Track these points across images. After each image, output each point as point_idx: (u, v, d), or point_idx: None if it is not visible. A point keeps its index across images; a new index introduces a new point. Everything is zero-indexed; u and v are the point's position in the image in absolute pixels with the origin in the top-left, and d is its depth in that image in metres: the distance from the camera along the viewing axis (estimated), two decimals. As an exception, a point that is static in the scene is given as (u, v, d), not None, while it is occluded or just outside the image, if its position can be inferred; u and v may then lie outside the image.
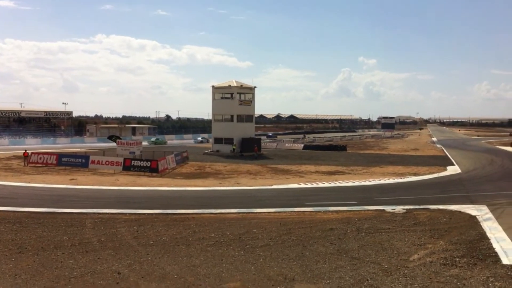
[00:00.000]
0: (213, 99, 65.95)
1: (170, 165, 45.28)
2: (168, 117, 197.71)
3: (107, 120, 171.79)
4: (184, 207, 26.18)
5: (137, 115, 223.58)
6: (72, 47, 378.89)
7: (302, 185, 35.69)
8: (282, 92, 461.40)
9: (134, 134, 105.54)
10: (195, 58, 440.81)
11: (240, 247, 18.12)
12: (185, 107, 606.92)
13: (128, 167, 42.48)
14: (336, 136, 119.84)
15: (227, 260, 16.40)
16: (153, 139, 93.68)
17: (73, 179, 37.96)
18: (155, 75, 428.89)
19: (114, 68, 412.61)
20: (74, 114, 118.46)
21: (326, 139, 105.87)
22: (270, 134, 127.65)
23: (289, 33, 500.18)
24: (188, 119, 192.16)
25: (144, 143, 69.79)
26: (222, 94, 66.26)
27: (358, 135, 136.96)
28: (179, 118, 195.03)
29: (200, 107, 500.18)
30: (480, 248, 17.78)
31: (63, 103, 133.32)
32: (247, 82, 67.87)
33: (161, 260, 16.43)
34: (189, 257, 16.78)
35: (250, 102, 66.21)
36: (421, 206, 26.34)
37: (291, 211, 25.22)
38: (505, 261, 16.11)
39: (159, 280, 14.38)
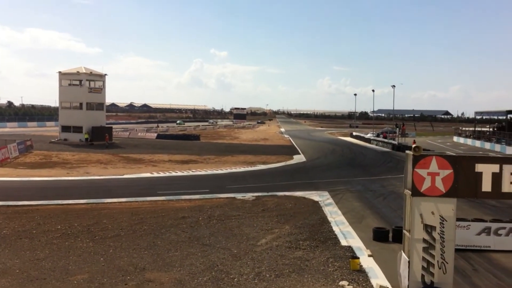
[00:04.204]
0: (60, 85, 62.41)
1: (12, 154, 42.20)
2: (10, 103, 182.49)
3: None
4: (27, 198, 24.72)
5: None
6: None
7: (155, 174, 35.42)
8: (135, 81, 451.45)
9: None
10: (38, 42, 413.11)
11: (89, 238, 17.62)
12: (29, 94, 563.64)
13: (-38, 156, 38.87)
14: (189, 126, 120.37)
15: (74, 252, 15.86)
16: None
17: None
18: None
19: None
20: None
21: (180, 129, 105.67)
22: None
23: (138, 21, 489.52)
24: (33, 106, 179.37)
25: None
26: (70, 80, 63.00)
27: (212, 125, 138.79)
28: (22, 105, 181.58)
29: (46, 93, 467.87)
30: (321, 231, 19.28)
31: None
32: (97, 69, 65.34)
33: (1, 254, 15.44)
34: (32, 250, 15.95)
35: (101, 90, 63.80)
36: (269, 193, 27.66)
37: (143, 201, 25.02)
38: (343, 242, 17.73)
39: (-1, 276, 13.48)
